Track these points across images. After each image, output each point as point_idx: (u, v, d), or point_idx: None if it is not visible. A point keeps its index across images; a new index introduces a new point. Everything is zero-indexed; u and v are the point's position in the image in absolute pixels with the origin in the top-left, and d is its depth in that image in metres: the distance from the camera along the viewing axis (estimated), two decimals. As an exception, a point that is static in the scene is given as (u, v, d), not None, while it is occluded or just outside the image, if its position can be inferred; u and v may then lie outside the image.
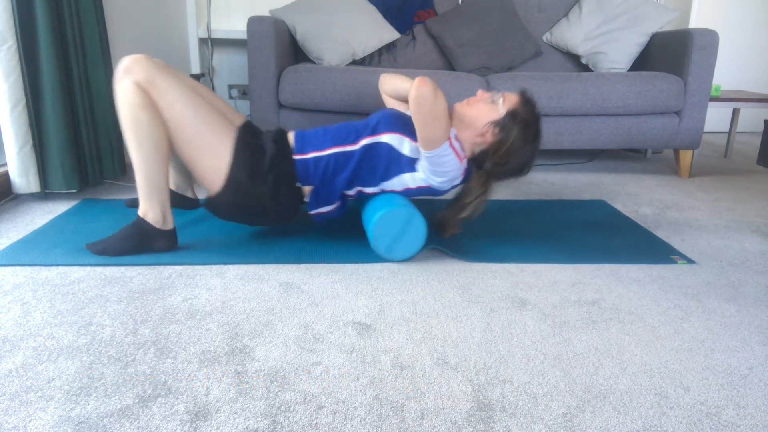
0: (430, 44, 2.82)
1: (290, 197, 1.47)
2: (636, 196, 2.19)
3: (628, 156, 2.99)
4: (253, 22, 2.21)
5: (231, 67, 3.30)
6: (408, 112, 1.56)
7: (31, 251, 1.44)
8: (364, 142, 1.47)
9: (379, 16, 2.70)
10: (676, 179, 2.49)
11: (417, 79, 1.35)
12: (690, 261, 1.53)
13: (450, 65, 2.81)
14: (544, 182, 2.36)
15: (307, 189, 1.49)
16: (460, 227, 1.57)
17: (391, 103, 1.70)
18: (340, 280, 1.35)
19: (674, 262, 1.52)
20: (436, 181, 1.48)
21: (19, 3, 1.67)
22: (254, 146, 1.44)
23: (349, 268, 1.42)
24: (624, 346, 1.09)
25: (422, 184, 1.49)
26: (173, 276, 1.34)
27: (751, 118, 3.93)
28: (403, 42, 2.79)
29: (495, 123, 1.45)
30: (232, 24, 3.22)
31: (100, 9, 1.97)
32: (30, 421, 0.83)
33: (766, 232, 1.79)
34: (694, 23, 3.51)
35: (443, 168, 1.44)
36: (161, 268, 1.38)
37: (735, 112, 2.96)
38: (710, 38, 2.33)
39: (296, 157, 1.47)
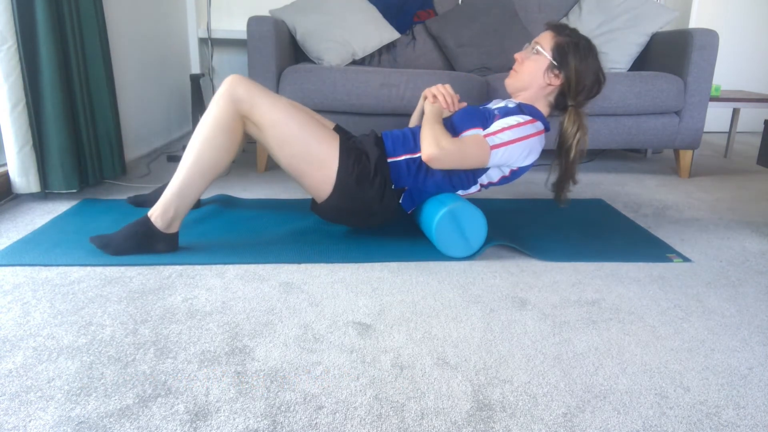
0: (430, 44, 2.82)
1: (393, 199, 1.49)
2: (636, 196, 2.19)
3: (628, 156, 2.99)
4: (253, 22, 2.21)
5: (231, 67, 3.30)
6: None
7: (31, 251, 1.44)
8: None
9: (379, 16, 2.70)
10: (676, 179, 2.49)
11: (423, 154, 1.42)
12: (686, 259, 1.53)
13: (450, 65, 2.81)
14: (545, 182, 2.36)
15: (401, 190, 1.51)
16: (576, 175, 1.56)
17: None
18: (340, 280, 1.35)
19: (671, 260, 1.52)
20: (521, 165, 1.50)
21: (19, 3, 1.67)
22: (358, 152, 1.47)
23: (349, 268, 1.42)
24: (624, 346, 1.09)
25: (514, 167, 1.52)
26: (173, 276, 1.34)
27: (751, 118, 3.93)
28: (403, 42, 2.79)
29: (550, 68, 1.49)
30: (232, 24, 3.22)
31: (100, 9, 1.97)
32: (30, 421, 0.83)
33: (766, 232, 1.79)
34: (694, 23, 3.51)
35: (514, 158, 1.47)
36: (161, 268, 1.38)
37: (735, 112, 2.96)
38: (710, 38, 2.33)
39: (390, 159, 1.49)
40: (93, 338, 1.06)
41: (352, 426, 0.84)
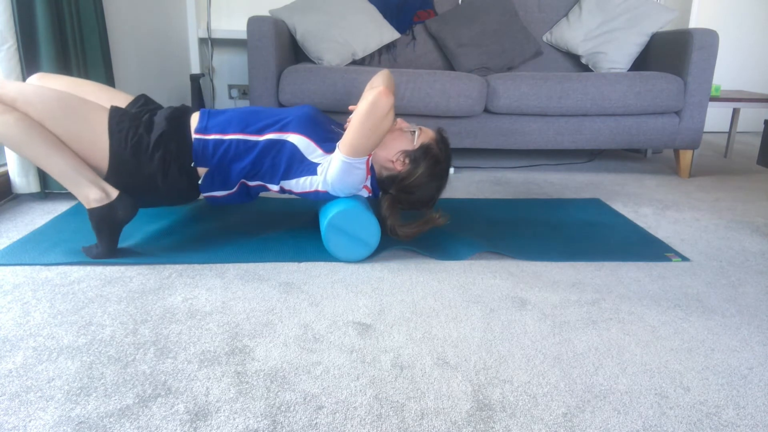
0: (430, 44, 2.82)
1: (183, 177, 1.44)
2: (636, 196, 2.19)
3: (628, 156, 2.99)
4: (253, 22, 2.21)
5: (231, 67, 3.30)
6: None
7: (31, 251, 1.44)
8: (269, 135, 1.45)
9: (379, 16, 2.70)
10: (676, 179, 2.49)
11: (382, 88, 1.34)
12: (685, 258, 1.53)
13: (450, 65, 2.81)
14: (544, 182, 2.36)
15: (202, 170, 1.46)
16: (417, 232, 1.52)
17: None
18: (340, 280, 1.35)
19: (669, 259, 1.53)
20: (334, 188, 1.45)
21: (19, 3, 1.67)
22: (135, 126, 1.41)
23: (349, 267, 1.42)
24: (624, 346, 1.09)
25: (320, 188, 1.47)
26: (173, 276, 1.34)
27: (751, 118, 3.93)
28: (403, 42, 2.79)
29: (407, 153, 1.48)
30: (232, 24, 3.22)
31: (100, 9, 1.97)
32: (30, 421, 0.83)
33: (766, 232, 1.79)
34: (694, 23, 3.51)
35: (350, 179, 1.43)
36: (161, 267, 1.38)
37: (735, 112, 2.96)
38: (710, 38, 2.33)
39: (196, 136, 1.44)
40: (93, 338, 1.06)
41: (352, 426, 0.84)
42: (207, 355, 1.02)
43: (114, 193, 1.40)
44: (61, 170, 1.35)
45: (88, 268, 1.36)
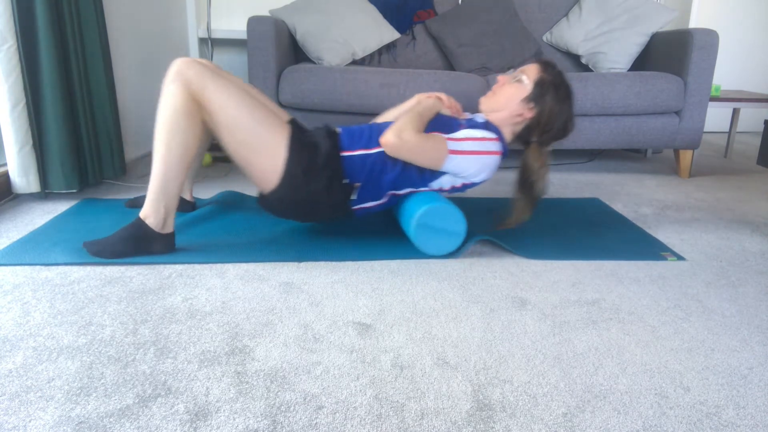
0: (430, 44, 2.82)
1: (342, 193, 1.48)
2: (636, 196, 2.19)
3: (628, 156, 2.99)
4: (253, 22, 2.21)
5: (231, 67, 3.30)
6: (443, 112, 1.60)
7: (31, 251, 1.44)
8: None
9: (379, 16, 2.70)
10: (676, 179, 2.49)
11: (381, 138, 1.43)
12: (680, 257, 1.53)
13: (450, 65, 2.81)
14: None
15: (355, 185, 1.50)
16: (530, 211, 1.57)
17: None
18: (340, 280, 1.35)
19: (665, 258, 1.53)
20: (473, 179, 1.51)
21: (19, 3, 1.67)
22: (308, 143, 1.45)
23: (349, 267, 1.42)
24: (624, 346, 1.09)
25: (466, 181, 1.52)
26: (173, 276, 1.34)
27: (751, 118, 3.93)
28: (403, 42, 2.79)
29: (527, 98, 1.49)
30: (232, 24, 3.22)
31: (100, 9, 1.97)
32: (30, 421, 0.83)
33: (766, 232, 1.79)
34: (694, 23, 3.51)
35: (468, 170, 1.47)
36: (161, 267, 1.38)
37: (735, 112, 2.96)
38: (710, 38, 2.33)
39: (344, 153, 1.48)
40: (93, 338, 1.06)
41: (352, 426, 0.84)
42: (207, 355, 1.02)
43: (169, 227, 1.43)
44: (164, 175, 1.37)
45: (88, 268, 1.36)
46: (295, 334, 1.10)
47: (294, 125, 1.48)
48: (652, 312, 1.24)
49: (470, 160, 1.46)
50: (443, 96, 1.60)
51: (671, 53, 2.47)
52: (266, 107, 1.45)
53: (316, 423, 0.85)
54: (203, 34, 3.15)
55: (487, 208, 1.93)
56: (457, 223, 1.47)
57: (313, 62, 2.56)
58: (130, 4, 2.41)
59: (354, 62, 2.64)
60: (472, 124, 1.52)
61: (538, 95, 1.49)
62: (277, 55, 2.25)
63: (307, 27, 2.51)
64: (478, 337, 1.10)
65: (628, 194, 2.21)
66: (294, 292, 1.28)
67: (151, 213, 1.40)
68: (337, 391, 0.92)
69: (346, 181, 1.47)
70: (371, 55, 2.73)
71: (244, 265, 1.41)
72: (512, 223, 1.58)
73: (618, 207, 2.02)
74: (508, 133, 1.55)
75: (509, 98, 1.51)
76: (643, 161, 2.87)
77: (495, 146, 1.48)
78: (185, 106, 1.35)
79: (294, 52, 2.63)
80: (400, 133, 1.41)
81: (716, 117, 3.91)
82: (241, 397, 0.90)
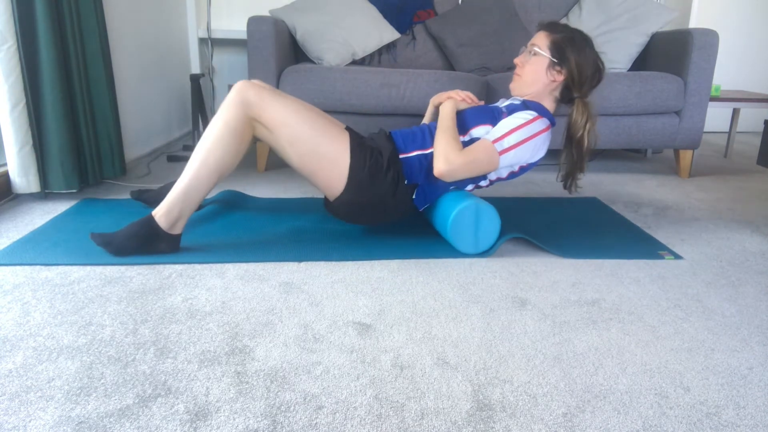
0: (430, 44, 2.82)
1: (406, 194, 1.51)
2: (636, 196, 2.19)
3: (628, 156, 2.99)
4: (253, 22, 2.21)
5: (231, 67, 3.30)
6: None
7: (31, 251, 1.44)
8: (461, 138, 1.52)
9: (379, 16, 2.70)
10: (676, 179, 2.49)
11: (435, 171, 1.44)
12: (677, 256, 1.54)
13: (450, 65, 2.81)
14: (544, 182, 2.36)
15: (414, 186, 1.53)
16: (583, 167, 1.59)
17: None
18: (340, 280, 1.35)
19: (662, 257, 1.53)
20: (529, 161, 1.53)
21: (19, 3, 1.67)
22: (370, 147, 1.49)
23: (349, 267, 1.42)
24: (624, 346, 1.09)
25: (523, 164, 1.54)
26: (173, 276, 1.34)
27: (751, 118, 3.93)
28: (403, 42, 2.79)
29: (551, 65, 1.52)
30: (232, 24, 3.22)
31: (100, 9, 1.97)
32: (30, 421, 0.83)
33: (766, 232, 1.79)
34: (694, 23, 3.51)
35: (523, 158, 1.50)
36: (161, 267, 1.38)
37: (735, 112, 2.96)
38: (710, 38, 2.33)
39: (401, 156, 1.51)
40: (93, 338, 1.06)
41: (352, 426, 0.84)
42: (207, 355, 1.02)
43: (178, 229, 1.45)
44: (190, 183, 1.41)
45: (88, 268, 1.36)
46: (295, 334, 1.10)
47: (354, 132, 1.52)
48: (652, 312, 1.24)
49: (522, 150, 1.48)
50: (454, 94, 1.62)
51: (671, 53, 2.47)
52: (324, 117, 1.50)
53: (316, 423, 0.85)
54: (203, 34, 3.15)
55: (522, 208, 1.94)
56: (491, 221, 1.50)
57: (313, 62, 2.56)
58: (130, 4, 2.41)
59: (354, 62, 2.64)
60: (512, 108, 1.54)
61: (559, 57, 1.51)
62: (277, 55, 2.25)
63: (307, 27, 2.51)
64: (478, 337, 1.10)
65: (628, 194, 2.21)
66: (294, 292, 1.28)
67: (164, 213, 1.41)
68: (337, 391, 0.92)
69: (405, 182, 1.50)
70: (371, 55, 2.73)
71: (244, 265, 1.41)
72: (569, 177, 1.60)
73: (618, 207, 2.02)
74: (549, 103, 1.57)
75: (534, 73, 1.54)
76: (643, 161, 2.87)
77: (540, 124, 1.49)
78: (237, 126, 1.40)
79: (294, 52, 2.63)
80: (447, 159, 1.43)
81: (716, 117, 3.91)
82: (241, 397, 0.90)
